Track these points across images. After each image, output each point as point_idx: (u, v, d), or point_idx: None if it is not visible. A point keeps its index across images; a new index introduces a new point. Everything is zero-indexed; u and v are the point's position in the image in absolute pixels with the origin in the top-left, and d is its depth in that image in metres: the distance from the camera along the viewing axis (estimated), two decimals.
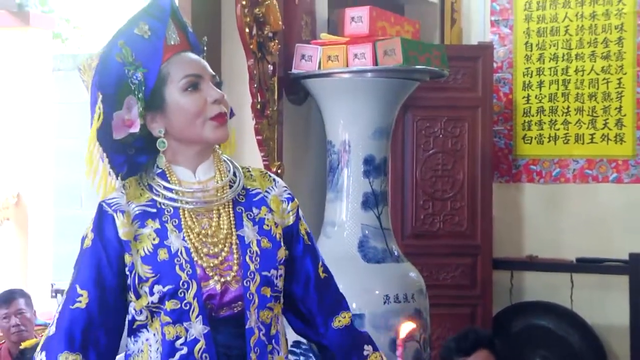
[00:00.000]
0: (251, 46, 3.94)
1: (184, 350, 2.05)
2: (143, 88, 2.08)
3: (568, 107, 6.04)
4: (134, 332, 2.12)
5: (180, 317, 2.05)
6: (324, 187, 4.31)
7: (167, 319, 2.06)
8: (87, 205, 6.06)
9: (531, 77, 6.11)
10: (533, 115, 6.11)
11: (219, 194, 2.15)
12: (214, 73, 2.18)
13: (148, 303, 2.06)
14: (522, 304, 5.86)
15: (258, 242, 2.14)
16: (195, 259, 2.08)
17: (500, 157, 6.11)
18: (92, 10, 9.67)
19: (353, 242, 4.12)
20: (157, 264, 2.06)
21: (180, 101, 2.10)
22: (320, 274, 2.30)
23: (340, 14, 4.36)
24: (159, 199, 2.11)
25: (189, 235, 2.09)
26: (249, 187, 2.21)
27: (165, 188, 2.12)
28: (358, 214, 4.16)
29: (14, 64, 5.45)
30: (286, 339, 2.26)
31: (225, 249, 2.11)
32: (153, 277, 2.06)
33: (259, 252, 2.13)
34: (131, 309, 2.10)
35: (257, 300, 2.11)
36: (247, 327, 2.10)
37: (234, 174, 2.19)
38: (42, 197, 5.54)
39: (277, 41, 4.13)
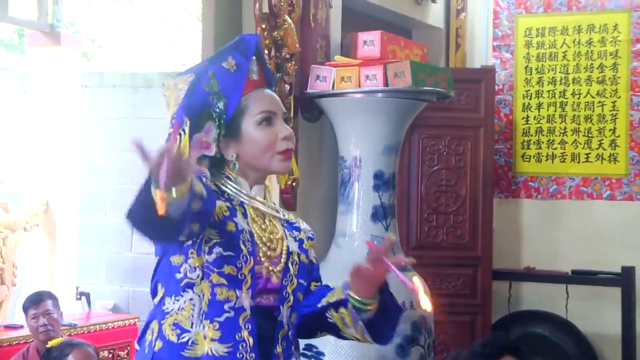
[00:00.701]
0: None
1: (231, 314, 2.12)
2: (223, 117, 2.18)
3: (565, 127, 6.07)
4: (177, 290, 2.15)
5: (234, 283, 2.12)
6: (335, 199, 4.34)
7: (222, 280, 2.12)
8: (110, 214, 6.09)
9: (530, 99, 6.15)
10: (532, 135, 6.14)
11: (270, 209, 2.26)
12: (285, 110, 2.28)
13: (204, 262, 2.12)
14: (519, 312, 5.88)
15: (298, 254, 2.25)
16: (257, 242, 2.18)
17: (501, 174, 6.14)
18: (115, 31, 9.73)
19: (363, 252, 4.13)
20: (224, 231, 2.13)
21: (254, 134, 2.20)
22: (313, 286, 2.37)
23: (353, 37, 4.42)
24: (227, 190, 2.21)
25: (252, 224, 2.19)
26: (288, 219, 2.32)
27: (232, 186, 2.22)
28: (368, 225, 4.20)
29: (45, 81, 5.49)
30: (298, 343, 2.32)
31: (279, 248, 2.21)
32: (217, 239, 2.12)
33: (298, 262, 2.24)
34: (185, 267, 2.13)
35: (292, 300, 2.20)
36: (278, 319, 2.18)
37: (276, 210, 2.30)
38: (69, 205, 5.56)
39: (293, 62, 4.20)
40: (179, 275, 2.14)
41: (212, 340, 2.11)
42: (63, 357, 3.62)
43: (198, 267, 2.12)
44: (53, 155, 5.43)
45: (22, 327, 4.76)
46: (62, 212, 5.44)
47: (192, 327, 2.13)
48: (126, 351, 5.39)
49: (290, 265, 2.21)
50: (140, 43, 9.66)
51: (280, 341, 2.17)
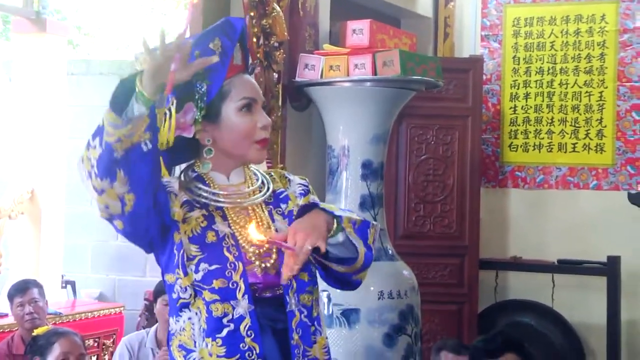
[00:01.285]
0: (258, 55, 3.99)
1: (231, 327, 2.09)
2: (204, 98, 2.15)
3: (552, 117, 6.08)
4: (176, 311, 2.15)
5: (227, 295, 2.09)
6: (323, 188, 4.33)
7: (215, 296, 2.09)
8: (96, 203, 6.06)
9: (518, 89, 6.15)
10: (519, 125, 6.14)
11: (251, 196, 2.21)
12: (264, 99, 2.26)
13: (193, 281, 2.10)
14: (506, 302, 5.89)
15: None
16: (242, 244, 2.14)
17: (488, 163, 6.14)
18: (101, 19, 9.67)
19: None
20: (205, 244, 2.11)
21: (234, 119, 2.17)
22: None
23: (342, 26, 4.40)
24: (200, 199, 2.17)
25: (235, 226, 2.15)
26: (275, 188, 2.28)
27: (205, 190, 2.18)
28: (356, 214, 4.17)
29: (31, 68, 5.44)
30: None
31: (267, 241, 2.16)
32: (200, 255, 2.10)
33: None
34: (177, 287, 2.12)
35: (295, 285, 2.16)
36: (287, 309, 2.15)
37: (262, 182, 2.26)
38: (55, 193, 5.54)
39: (282, 51, 4.18)
40: (174, 296, 2.14)
41: (218, 356, 2.09)
42: (49, 346, 3.60)
43: (188, 286, 2.10)
44: (39, 143, 5.39)
45: (6, 315, 4.74)
46: (48, 200, 5.41)
47: (195, 346, 2.12)
48: (112, 340, 5.37)
49: (284, 251, 2.16)
50: (126, 31, 9.61)
51: (295, 330, 2.15)
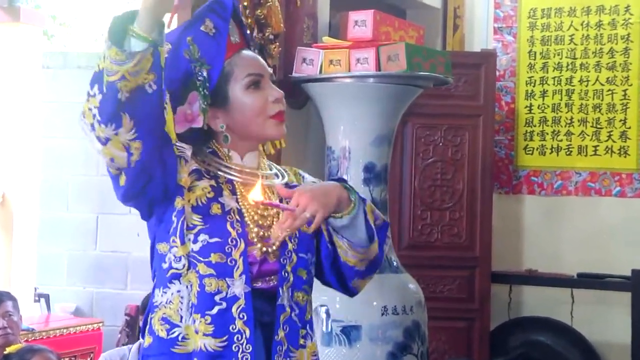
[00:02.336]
0: (251, 48, 3.99)
1: (223, 305, 2.13)
2: (207, 85, 2.20)
3: (571, 118, 6.11)
4: (164, 282, 2.18)
5: (223, 271, 2.13)
6: None
7: (210, 270, 2.13)
8: (73, 208, 6.07)
9: (534, 86, 6.18)
10: (535, 126, 6.18)
11: (264, 179, 2.26)
12: (271, 71, 2.31)
13: (189, 251, 2.14)
14: (520, 319, 5.92)
15: None
16: (247, 222, 2.19)
17: (501, 167, 6.18)
18: (78, 8, 9.67)
19: None
20: (208, 215, 2.15)
21: (243, 99, 2.22)
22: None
23: (343, 17, 4.42)
24: (212, 169, 2.22)
25: (243, 202, 2.21)
26: (289, 181, 2.34)
27: (218, 162, 2.24)
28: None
29: (3, 60, 5.46)
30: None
31: (274, 224, 2.20)
32: (201, 226, 2.14)
33: (297, 235, 2.24)
34: (170, 256, 2.16)
35: (292, 279, 2.21)
36: (278, 303, 2.19)
37: (276, 173, 2.32)
38: (28, 197, 5.55)
39: (278, 44, 4.22)
40: (164, 265, 2.17)
41: (205, 335, 2.13)
42: None
43: (183, 256, 2.15)
44: (11, 142, 5.41)
45: None
46: (20, 204, 5.42)
47: (181, 321, 2.15)
48: (89, 358, 5.38)
49: (287, 240, 2.22)
50: (105, 21, 9.61)
51: (281, 325, 2.19)
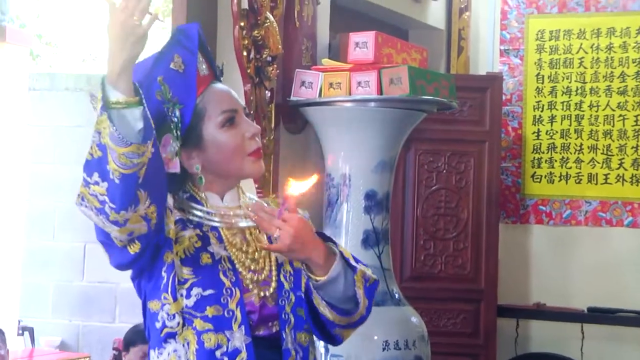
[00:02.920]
0: (248, 70, 4.03)
1: None
2: (180, 125, 2.20)
3: (581, 144, 6.14)
4: (159, 342, 2.18)
5: (221, 324, 2.14)
6: (321, 222, 4.36)
7: (208, 325, 2.14)
8: (59, 237, 6.10)
9: (542, 111, 6.21)
10: (543, 152, 6.21)
11: (248, 219, 2.26)
12: (244, 105, 2.32)
13: (183, 307, 2.15)
14: (528, 355, 5.92)
15: (290, 262, 2.27)
16: (239, 269, 2.20)
17: (508, 195, 6.20)
18: (65, 27, 9.71)
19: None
20: (199, 266, 2.16)
21: (218, 138, 2.23)
22: None
23: (343, 38, 4.45)
24: (194, 218, 2.23)
25: (231, 248, 2.22)
26: None
27: (199, 209, 2.24)
28: (358, 252, 4.19)
29: None
30: None
31: (267, 266, 2.24)
32: (193, 278, 2.15)
33: (292, 272, 2.27)
34: (162, 314, 2.16)
35: (292, 321, 2.23)
36: (284, 347, 2.20)
37: None
38: (13, 225, 5.58)
39: (275, 66, 4.21)
40: (158, 325, 2.17)
41: None
42: None
43: (177, 313, 2.14)
44: None
45: None
46: (5, 232, 5.45)
47: None
48: None
49: (283, 279, 2.24)
50: (93, 41, 9.66)
51: None
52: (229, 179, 2.27)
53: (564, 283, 6.07)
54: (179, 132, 2.19)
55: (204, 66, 2.28)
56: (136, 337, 4.23)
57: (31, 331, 5.72)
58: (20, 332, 5.64)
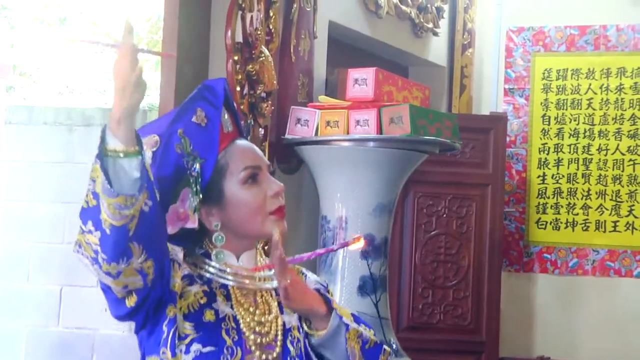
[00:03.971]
0: (242, 107, 4.03)
1: None
2: (199, 180, 2.25)
3: (589, 189, 6.20)
4: None
5: None
6: (315, 268, 4.38)
7: None
8: (34, 279, 6.11)
9: (548, 154, 6.27)
10: (549, 197, 6.26)
11: (261, 282, 2.33)
12: (268, 162, 2.37)
13: None
14: None
15: (299, 328, 2.33)
16: (243, 329, 2.25)
17: (511, 242, 6.24)
18: (42, 57, 9.74)
19: None
20: (201, 323, 2.20)
21: (240, 195, 2.28)
22: None
23: (341, 74, 4.48)
24: (206, 274, 2.28)
25: (238, 307, 2.26)
26: None
27: (212, 265, 2.29)
28: (354, 300, 4.23)
29: None
30: None
31: (273, 330, 2.28)
32: (194, 334, 2.20)
33: (299, 338, 2.32)
34: None
35: None
36: None
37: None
38: None
39: (270, 102, 4.23)
40: None
41: None
42: None
43: None
44: None
45: None
46: None
47: None
48: None
49: (289, 345, 2.29)
50: (71, 72, 9.68)
51: None
52: (247, 239, 2.31)
53: (570, 336, 6.11)
54: (198, 187, 2.24)
55: (228, 122, 2.33)
56: None
57: None
58: None
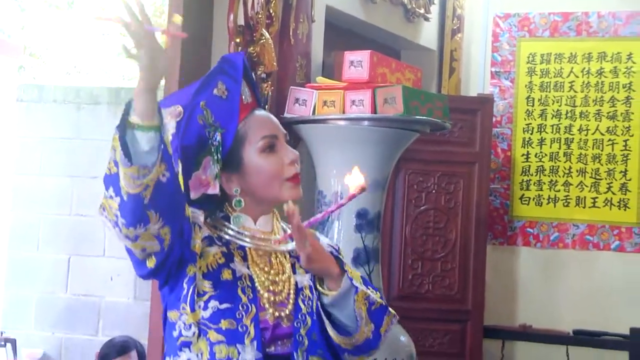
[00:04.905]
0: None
1: None
2: (220, 149, 2.28)
3: (570, 167, 6.19)
4: (175, 350, 2.25)
5: (234, 338, 2.21)
6: None
7: (221, 337, 2.21)
8: (44, 248, 6.12)
9: (532, 133, 6.27)
10: (532, 175, 6.26)
11: (276, 244, 2.36)
12: (285, 131, 2.40)
13: (200, 319, 2.22)
14: None
15: (311, 287, 2.35)
16: (258, 287, 2.27)
17: (496, 217, 6.24)
18: (51, 39, 9.71)
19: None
20: (218, 281, 2.24)
21: (258, 163, 2.31)
22: None
23: (338, 57, 4.46)
24: (225, 235, 2.31)
25: (253, 267, 2.30)
26: None
27: (230, 228, 2.32)
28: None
29: None
30: None
31: (285, 289, 2.31)
32: (212, 292, 2.23)
33: (311, 297, 2.34)
34: (180, 324, 2.24)
35: (306, 343, 2.29)
36: None
37: (290, 238, 2.38)
38: None
39: (270, 83, 4.22)
40: (175, 333, 2.25)
41: None
42: None
43: (193, 324, 2.22)
44: None
45: None
46: None
47: None
48: None
49: (301, 303, 2.31)
50: (79, 53, 9.67)
51: None
52: (265, 204, 2.35)
53: (550, 305, 6.11)
54: (219, 155, 2.27)
55: (247, 93, 2.36)
56: (110, 350, 4.26)
57: (13, 343, 5.72)
58: (2, 343, 5.64)
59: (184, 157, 2.25)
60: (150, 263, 2.17)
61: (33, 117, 6.21)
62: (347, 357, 2.38)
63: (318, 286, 2.33)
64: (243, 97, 2.34)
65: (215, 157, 2.27)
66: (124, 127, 2.03)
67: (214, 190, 2.28)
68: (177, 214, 2.15)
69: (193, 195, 2.27)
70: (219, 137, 2.27)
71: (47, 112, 6.25)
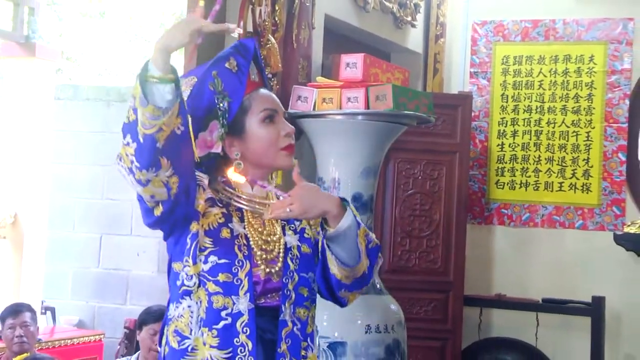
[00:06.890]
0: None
1: (228, 321, 2.19)
2: (227, 115, 2.27)
3: (539, 156, 6.18)
4: (178, 297, 2.24)
5: (229, 290, 2.20)
6: None
7: (218, 289, 2.20)
8: (79, 229, 6.10)
9: (506, 126, 6.25)
10: (506, 162, 6.24)
11: (267, 213, 2.31)
12: (284, 109, 2.39)
13: (200, 271, 2.21)
14: (489, 339, 5.95)
15: (298, 247, 2.32)
16: (252, 246, 2.25)
17: (474, 200, 6.23)
18: (84, 44, 9.72)
19: None
20: (219, 239, 2.23)
21: (258, 130, 2.30)
22: None
23: (335, 59, 4.46)
24: (224, 197, 2.29)
25: (249, 227, 2.27)
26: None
27: (230, 192, 2.31)
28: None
29: (19, 92, 5.50)
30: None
31: (276, 249, 2.29)
32: (212, 248, 2.21)
33: (299, 256, 2.31)
34: (182, 274, 2.23)
35: (293, 297, 2.27)
36: (280, 318, 2.25)
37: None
38: (38, 218, 5.57)
39: (275, 82, 4.26)
40: (178, 283, 2.24)
41: (211, 347, 2.19)
42: None
43: (194, 275, 2.21)
44: (23, 167, 5.43)
45: None
46: (31, 224, 5.44)
47: (191, 333, 2.21)
48: None
49: (289, 261, 2.28)
50: (109, 57, 9.66)
51: (284, 339, 2.24)
52: (261, 169, 2.32)
53: (522, 277, 6.12)
54: (225, 121, 2.26)
55: (255, 74, 2.36)
56: (148, 317, 4.23)
57: (53, 311, 5.71)
58: (44, 311, 5.63)
59: (194, 117, 2.23)
60: (157, 211, 2.15)
61: (68, 113, 6.19)
62: (343, 293, 2.35)
63: (322, 224, 2.28)
64: (252, 75, 2.34)
65: (221, 122, 2.26)
66: (145, 78, 2.02)
67: (217, 150, 2.27)
68: (186, 168, 2.13)
69: (199, 153, 2.26)
70: (225, 104, 2.27)
71: (81, 108, 6.22)
